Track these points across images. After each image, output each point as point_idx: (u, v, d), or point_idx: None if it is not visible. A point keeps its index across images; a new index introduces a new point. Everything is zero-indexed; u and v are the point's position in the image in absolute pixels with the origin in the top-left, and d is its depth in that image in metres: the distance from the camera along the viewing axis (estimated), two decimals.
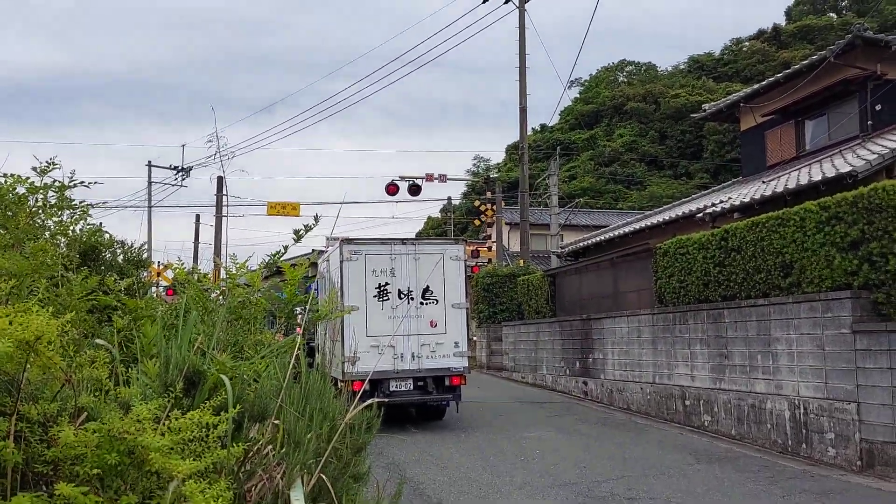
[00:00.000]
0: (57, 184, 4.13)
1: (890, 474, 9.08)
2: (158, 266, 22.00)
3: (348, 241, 12.53)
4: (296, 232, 6.26)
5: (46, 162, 3.95)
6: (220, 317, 3.16)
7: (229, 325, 3.43)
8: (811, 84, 16.31)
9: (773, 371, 11.30)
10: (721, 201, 15.39)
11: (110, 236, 6.81)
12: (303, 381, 3.34)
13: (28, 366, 2.10)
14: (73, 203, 4.20)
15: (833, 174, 11.51)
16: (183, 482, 2.16)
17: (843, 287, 10.36)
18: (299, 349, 3.33)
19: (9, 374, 2.16)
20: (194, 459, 2.22)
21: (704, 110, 20.64)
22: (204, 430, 2.31)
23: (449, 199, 34.25)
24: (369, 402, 3.41)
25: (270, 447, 3.16)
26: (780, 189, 12.79)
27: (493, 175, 63.71)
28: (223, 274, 4.60)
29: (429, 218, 62.27)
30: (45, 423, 2.19)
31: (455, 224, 50.63)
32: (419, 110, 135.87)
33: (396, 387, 12.23)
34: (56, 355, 2.12)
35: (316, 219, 6.51)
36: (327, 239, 28.11)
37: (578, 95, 68.84)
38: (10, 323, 2.07)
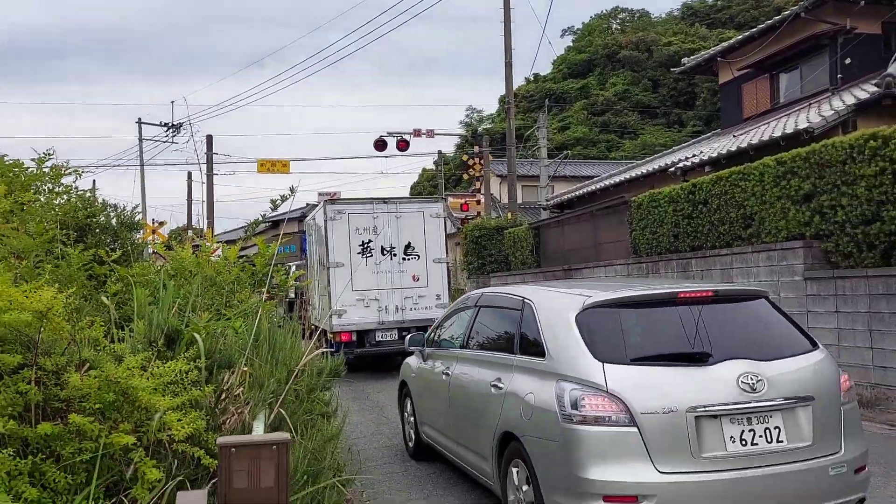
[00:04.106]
0: (52, 172, 4.77)
1: None
2: (153, 223, 22.70)
3: (332, 201, 13.16)
4: (272, 202, 6.92)
5: (44, 153, 4.58)
6: (195, 285, 3.83)
7: (205, 291, 4.10)
8: (783, 38, 16.67)
9: None
10: (694, 155, 15.95)
11: (104, 201, 7.42)
12: (268, 334, 4.02)
13: (42, 329, 2.78)
14: (68, 188, 4.84)
15: (791, 130, 12.06)
16: (164, 413, 2.86)
17: (797, 237, 11.02)
18: (267, 307, 4.01)
19: (28, 336, 2.84)
20: (172, 397, 2.92)
21: (683, 64, 20.98)
22: (180, 375, 3.00)
23: (439, 152, 34.60)
24: (319, 351, 4.10)
25: (242, 389, 3.88)
26: (744, 144, 13.36)
27: (487, 126, 63.81)
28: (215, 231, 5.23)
29: (423, 170, 62.67)
30: (57, 371, 2.88)
31: (449, 177, 51.05)
32: (412, 63, 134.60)
33: (382, 337, 13.00)
34: (62, 321, 2.80)
35: (292, 190, 7.15)
36: (319, 194, 28.67)
37: (571, 44, 68.32)
38: (28, 297, 2.74)
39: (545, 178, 29.33)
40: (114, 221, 7.18)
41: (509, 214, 26.41)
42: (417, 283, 13.13)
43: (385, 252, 12.96)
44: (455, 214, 32.22)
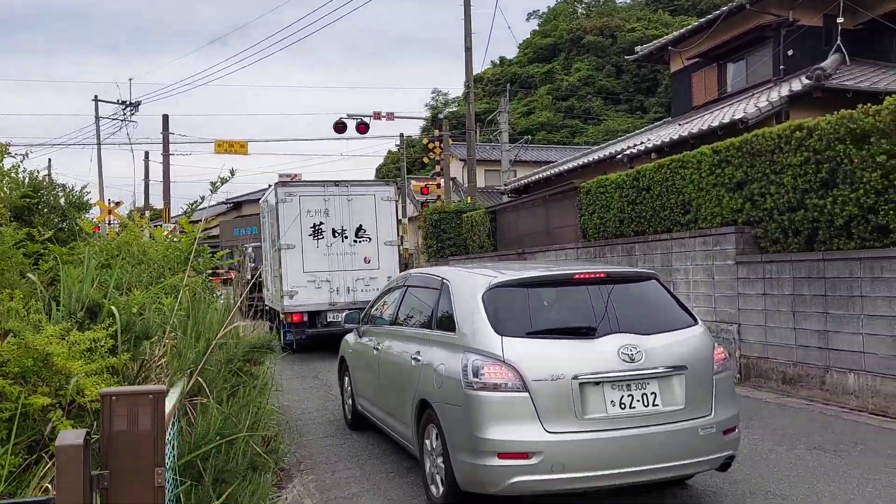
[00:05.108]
0: None
1: (762, 384, 10.48)
2: (109, 203, 22.63)
3: (283, 183, 13.35)
4: (212, 184, 7.12)
5: None
6: (117, 263, 4.08)
7: (133, 268, 4.35)
8: (730, 29, 17.17)
9: None
10: (641, 142, 16.42)
11: (51, 181, 7.54)
12: (191, 309, 4.29)
13: None
14: (11, 170, 5.04)
15: (728, 120, 12.54)
16: (80, 377, 3.14)
17: (729, 223, 11.53)
18: (186, 287, 4.28)
19: None
20: (87, 363, 3.20)
21: (637, 52, 21.41)
22: (94, 343, 3.28)
23: (401, 135, 34.71)
24: (236, 325, 4.39)
25: (165, 360, 4.16)
26: (685, 133, 13.83)
27: (453, 108, 63.93)
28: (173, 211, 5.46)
29: (388, 152, 62.60)
30: None
31: (414, 160, 51.18)
32: (380, 42, 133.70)
33: (333, 318, 13.27)
34: None
35: (232, 172, 7.36)
36: (280, 176, 28.71)
37: (537, 28, 68.62)
38: None
39: (506, 162, 29.75)
40: (62, 201, 7.31)
41: (468, 198, 26.77)
42: (369, 265, 13.40)
43: (336, 234, 13.20)
44: (417, 198, 32.50)
